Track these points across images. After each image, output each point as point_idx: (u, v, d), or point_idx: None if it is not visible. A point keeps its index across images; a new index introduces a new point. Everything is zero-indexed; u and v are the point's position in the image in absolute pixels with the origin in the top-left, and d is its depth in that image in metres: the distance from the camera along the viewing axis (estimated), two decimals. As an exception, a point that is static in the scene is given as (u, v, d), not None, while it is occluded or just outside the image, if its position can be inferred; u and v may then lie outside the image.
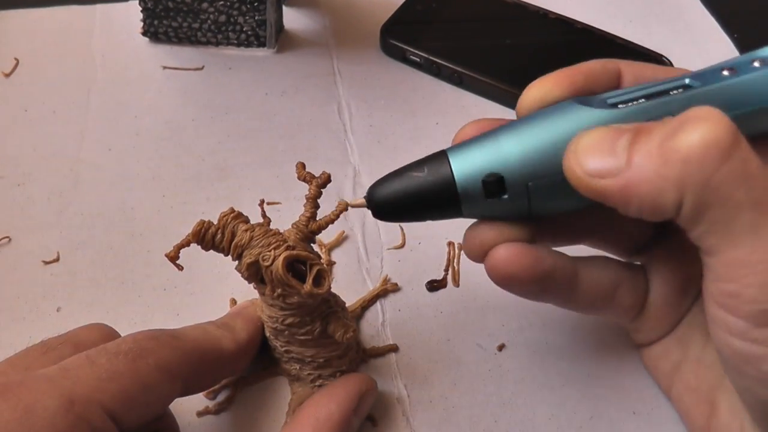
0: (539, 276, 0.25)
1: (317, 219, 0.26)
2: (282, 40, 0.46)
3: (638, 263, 0.29)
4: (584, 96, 0.25)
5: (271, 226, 0.26)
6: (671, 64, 0.44)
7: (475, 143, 0.24)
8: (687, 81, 0.24)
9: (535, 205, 0.24)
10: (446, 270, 0.35)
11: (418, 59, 0.44)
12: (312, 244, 0.27)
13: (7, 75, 0.43)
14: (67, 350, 0.24)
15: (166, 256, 0.25)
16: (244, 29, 0.44)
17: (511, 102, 0.42)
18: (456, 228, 0.36)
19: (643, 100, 0.24)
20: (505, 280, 0.25)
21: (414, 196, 0.24)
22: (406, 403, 0.30)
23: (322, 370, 0.29)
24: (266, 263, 0.25)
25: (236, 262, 0.26)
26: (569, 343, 0.32)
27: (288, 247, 0.25)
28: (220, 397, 0.30)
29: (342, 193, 0.38)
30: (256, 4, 0.43)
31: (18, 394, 0.20)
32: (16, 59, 0.44)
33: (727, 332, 0.22)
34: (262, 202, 0.28)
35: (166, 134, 0.40)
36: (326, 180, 0.26)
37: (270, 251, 0.25)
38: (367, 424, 0.30)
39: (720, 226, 0.21)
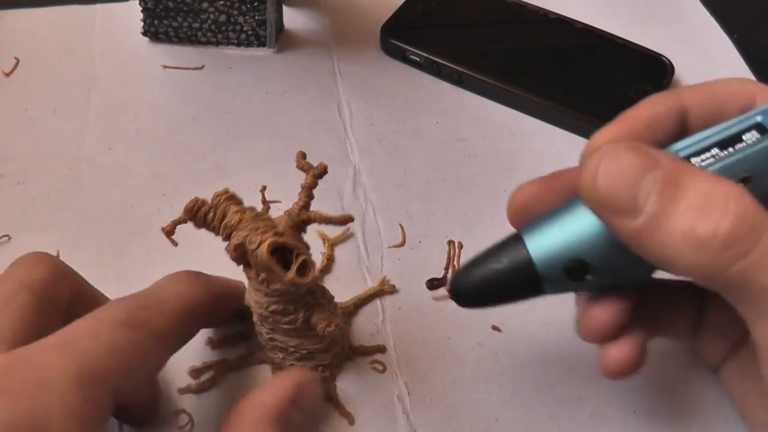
0: (641, 359, 0.26)
1: (310, 210, 0.27)
2: (282, 39, 0.46)
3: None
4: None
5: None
6: (671, 64, 0.44)
7: (549, 225, 0.24)
8: (759, 119, 0.22)
9: (618, 279, 0.24)
10: (447, 268, 0.35)
11: (418, 59, 0.44)
12: (303, 234, 0.27)
13: (8, 74, 0.43)
14: (24, 299, 0.24)
15: (162, 230, 0.25)
16: (245, 29, 0.44)
17: (511, 101, 0.42)
18: (456, 227, 0.36)
19: (716, 149, 0.22)
20: (620, 378, 0.26)
21: (496, 284, 0.25)
22: (407, 402, 0.30)
23: (305, 362, 0.29)
24: (252, 247, 0.25)
25: (226, 242, 0.26)
26: (570, 342, 0.32)
27: (276, 234, 0.25)
28: (203, 377, 0.31)
29: (342, 193, 0.38)
30: (256, 3, 0.43)
31: (26, 370, 0.20)
32: (16, 58, 0.44)
33: None
34: (263, 188, 0.28)
35: (167, 133, 0.40)
36: (322, 171, 0.26)
37: (257, 235, 0.25)
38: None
39: (747, 305, 0.21)
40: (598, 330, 0.25)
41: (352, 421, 0.30)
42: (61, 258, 0.34)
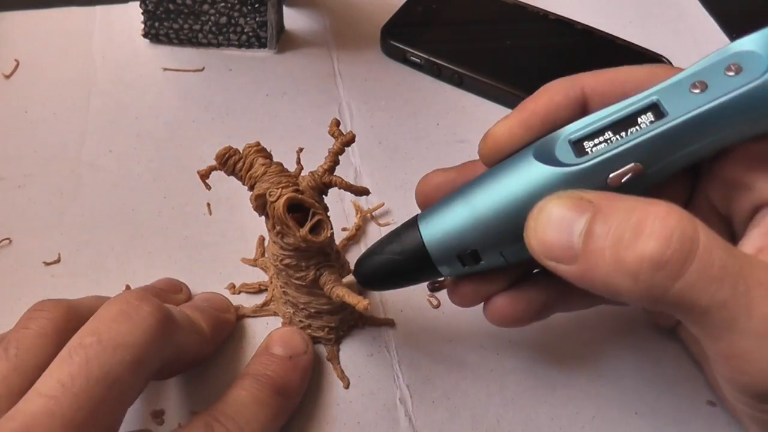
0: (536, 314, 0.27)
1: (334, 175, 0.27)
2: (283, 41, 0.46)
3: None
4: (543, 138, 0.24)
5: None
6: (671, 65, 0.44)
7: (443, 211, 0.25)
8: (655, 99, 0.22)
9: (512, 261, 0.25)
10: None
11: (418, 60, 0.44)
12: (324, 196, 0.28)
13: (8, 76, 0.43)
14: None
15: (198, 172, 0.27)
16: (245, 30, 0.44)
17: (511, 103, 0.42)
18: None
19: (609, 133, 0.22)
20: (505, 326, 0.27)
21: (393, 269, 0.26)
22: (409, 404, 0.30)
23: (313, 320, 0.30)
24: (271, 199, 0.26)
25: (250, 193, 0.27)
26: (572, 344, 0.32)
27: (296, 190, 0.26)
28: None
29: (343, 194, 0.38)
30: (256, 5, 0.43)
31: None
32: (16, 60, 0.44)
33: (734, 400, 0.22)
34: (300, 150, 0.28)
35: (167, 136, 0.40)
36: (351, 139, 0.27)
37: (278, 188, 0.26)
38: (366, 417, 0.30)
39: (691, 324, 0.20)
40: (467, 300, 0.27)
41: (346, 384, 0.31)
42: (63, 261, 0.34)
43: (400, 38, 0.45)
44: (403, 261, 0.26)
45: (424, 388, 0.31)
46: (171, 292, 0.32)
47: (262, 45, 0.45)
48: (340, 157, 0.28)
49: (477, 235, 0.24)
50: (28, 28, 0.46)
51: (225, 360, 0.31)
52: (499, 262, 0.25)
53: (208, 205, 0.37)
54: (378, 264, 0.26)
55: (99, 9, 0.47)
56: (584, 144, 0.22)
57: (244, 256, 0.35)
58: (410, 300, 0.34)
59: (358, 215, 0.36)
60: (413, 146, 0.40)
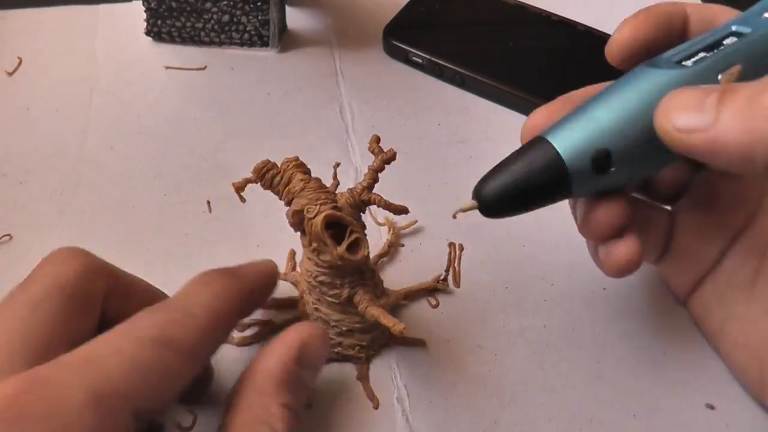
0: (641, 257, 0.27)
1: (373, 192, 0.27)
2: (285, 40, 0.46)
3: (666, 207, 0.31)
4: (652, 58, 0.26)
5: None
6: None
7: (571, 122, 0.25)
8: (734, 27, 0.25)
9: (636, 172, 0.25)
10: (447, 271, 0.35)
11: (420, 60, 0.44)
12: (363, 215, 0.28)
13: (10, 74, 0.43)
14: (55, 301, 0.23)
15: (233, 184, 0.26)
16: (248, 29, 0.44)
17: (513, 103, 0.42)
18: (457, 229, 0.36)
19: (702, 53, 0.25)
20: (627, 271, 0.27)
21: (524, 186, 0.24)
22: (406, 404, 0.30)
23: (344, 339, 0.30)
24: (309, 215, 0.26)
25: (286, 208, 0.27)
26: (570, 345, 0.32)
27: (334, 207, 0.26)
28: (248, 332, 0.32)
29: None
30: (259, 3, 0.43)
31: (45, 389, 0.20)
32: (19, 58, 0.44)
33: None
34: (337, 164, 0.28)
35: (168, 134, 0.40)
36: (392, 157, 0.27)
37: (316, 205, 0.26)
38: (347, 417, 0.30)
39: None
40: (604, 226, 0.27)
41: (376, 405, 0.30)
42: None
43: (402, 38, 0.45)
44: (534, 173, 0.24)
45: (421, 388, 0.31)
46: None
47: (265, 44, 0.45)
48: (379, 174, 0.27)
49: (611, 132, 0.24)
50: (31, 25, 0.46)
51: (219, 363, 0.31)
52: (623, 175, 0.25)
53: (208, 203, 0.37)
54: (505, 182, 0.25)
55: (102, 7, 0.47)
56: (683, 62, 0.25)
57: (244, 254, 0.35)
58: (409, 300, 0.34)
59: (391, 232, 0.36)
60: (414, 146, 0.40)
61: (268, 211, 0.37)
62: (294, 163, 0.27)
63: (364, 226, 0.27)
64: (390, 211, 0.27)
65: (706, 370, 0.32)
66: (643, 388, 0.31)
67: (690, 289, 0.32)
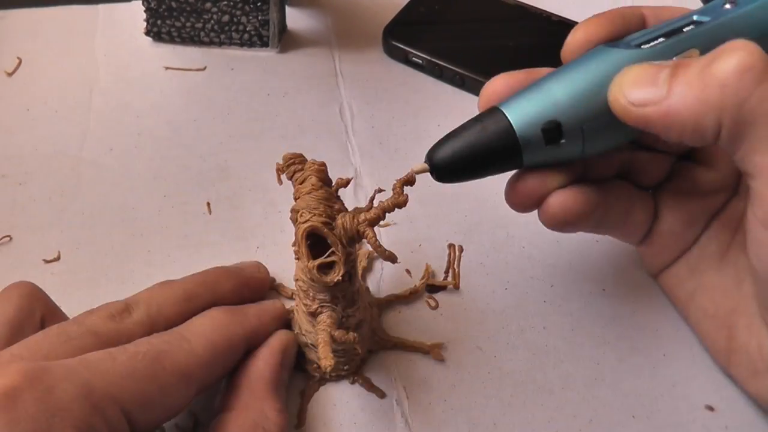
0: (589, 216, 0.28)
1: (370, 229, 0.26)
2: (285, 40, 0.46)
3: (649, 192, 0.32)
4: (612, 41, 0.27)
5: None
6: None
7: (525, 94, 0.26)
8: (695, 17, 0.26)
9: (588, 145, 0.26)
10: (446, 272, 0.35)
11: (420, 61, 0.44)
12: (356, 244, 0.27)
13: (10, 74, 0.43)
14: (88, 341, 0.24)
15: (278, 164, 0.28)
16: (248, 29, 0.44)
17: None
18: (456, 230, 0.36)
19: (662, 39, 0.26)
20: (560, 225, 0.28)
21: (475, 153, 0.25)
22: (405, 405, 0.30)
23: (308, 351, 0.30)
24: (300, 220, 0.26)
25: (288, 210, 0.27)
26: (569, 346, 0.32)
27: (325, 223, 0.26)
28: None
29: (343, 195, 0.37)
30: (259, 4, 0.43)
31: (41, 378, 0.21)
32: (18, 58, 0.44)
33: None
34: (378, 190, 0.27)
35: (168, 134, 0.40)
36: (403, 203, 0.27)
37: (310, 213, 0.26)
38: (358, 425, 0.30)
39: (761, 143, 0.22)
40: (525, 196, 0.27)
41: (381, 395, 0.30)
42: (62, 259, 0.35)
43: (402, 39, 0.44)
44: (485, 140, 0.25)
45: (420, 390, 0.31)
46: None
47: (264, 44, 0.45)
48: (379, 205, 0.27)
49: (562, 104, 0.25)
50: (30, 26, 0.46)
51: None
52: (575, 148, 0.26)
53: (208, 204, 0.37)
54: (457, 148, 0.25)
55: (101, 7, 0.47)
56: (643, 47, 0.26)
57: (244, 255, 0.35)
58: (408, 301, 0.34)
59: (365, 257, 0.35)
60: (414, 147, 0.40)
61: (268, 212, 0.37)
62: (316, 167, 0.27)
63: (349, 255, 0.27)
64: (378, 253, 0.26)
65: (706, 372, 0.32)
66: (643, 389, 0.31)
67: (665, 265, 0.32)
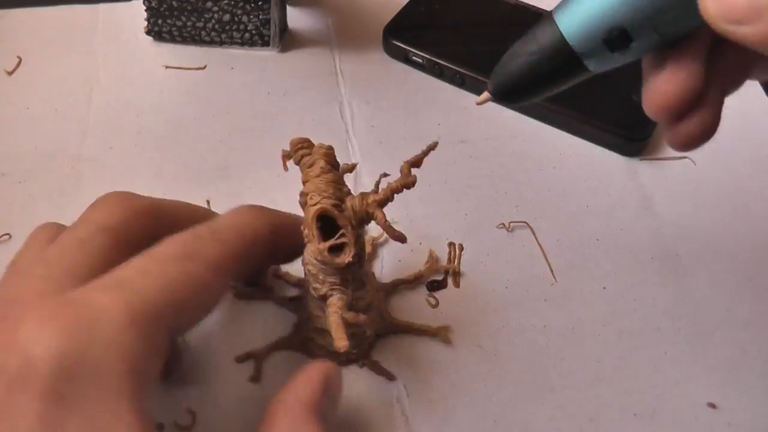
0: (718, 119, 0.23)
1: (380, 210, 0.26)
2: (285, 39, 0.46)
3: None
4: None
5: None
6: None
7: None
8: None
9: (668, 35, 0.22)
10: (447, 271, 0.35)
11: (420, 60, 0.44)
12: (365, 225, 0.27)
13: (10, 73, 0.43)
14: (102, 240, 0.24)
15: (283, 150, 0.27)
16: (248, 28, 0.44)
17: (513, 103, 0.42)
18: (457, 229, 0.36)
19: None
20: (665, 112, 0.23)
21: (535, 72, 0.23)
22: (405, 403, 0.30)
23: (316, 335, 0.30)
24: (310, 202, 0.26)
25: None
26: (570, 345, 0.32)
27: (335, 205, 0.26)
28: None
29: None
30: (260, 3, 0.43)
31: (81, 310, 0.20)
32: (18, 57, 0.44)
33: None
34: (384, 175, 0.27)
35: (168, 133, 0.40)
36: (413, 183, 0.27)
37: (320, 195, 0.26)
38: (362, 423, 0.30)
39: None
40: (667, 103, 0.22)
41: (392, 377, 0.30)
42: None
43: (403, 38, 0.44)
44: (544, 60, 0.23)
45: (421, 388, 0.31)
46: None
47: (265, 43, 0.45)
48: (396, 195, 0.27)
49: (624, 9, 0.21)
50: (30, 25, 0.46)
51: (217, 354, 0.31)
52: (651, 42, 0.22)
53: (208, 202, 0.37)
54: (515, 69, 0.24)
55: (102, 6, 0.47)
56: None
57: (244, 254, 0.35)
58: (409, 300, 0.34)
59: (370, 242, 0.35)
60: (414, 146, 0.39)
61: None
62: (325, 150, 0.27)
63: (359, 237, 0.27)
64: (388, 234, 0.26)
65: (708, 369, 0.32)
66: (644, 387, 0.31)
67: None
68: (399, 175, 0.27)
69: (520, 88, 0.24)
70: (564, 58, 0.23)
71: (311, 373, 0.26)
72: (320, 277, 0.28)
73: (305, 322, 0.31)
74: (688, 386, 0.31)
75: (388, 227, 0.26)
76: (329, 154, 0.27)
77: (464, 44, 0.45)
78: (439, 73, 0.44)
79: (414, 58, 0.44)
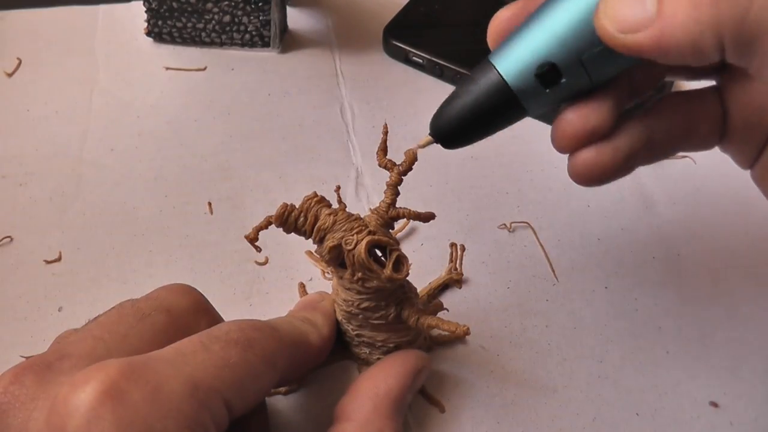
0: (620, 168, 0.24)
1: (397, 206, 0.27)
2: (286, 40, 0.46)
3: (712, 84, 0.27)
4: None
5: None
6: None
7: (513, 39, 0.24)
8: None
9: (595, 75, 0.23)
10: (449, 272, 0.35)
11: (420, 60, 0.44)
12: (391, 230, 0.27)
13: (10, 75, 0.43)
14: (161, 318, 0.24)
15: (246, 237, 0.26)
16: (249, 29, 0.44)
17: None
18: (458, 229, 0.36)
19: None
20: (589, 184, 0.25)
21: (475, 113, 0.24)
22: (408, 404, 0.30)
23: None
24: (349, 247, 0.25)
25: (316, 245, 0.26)
26: (571, 345, 0.32)
27: (369, 232, 0.26)
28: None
29: (344, 194, 0.38)
30: (260, 4, 0.43)
31: (145, 375, 0.20)
32: (18, 59, 0.44)
33: None
34: (338, 188, 0.28)
35: (169, 135, 0.40)
36: (408, 168, 0.27)
37: (352, 235, 0.25)
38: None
39: (759, 60, 0.20)
40: (569, 135, 0.24)
41: (442, 409, 0.30)
42: (63, 259, 0.34)
43: (403, 38, 0.44)
44: (482, 101, 0.24)
45: (423, 388, 0.31)
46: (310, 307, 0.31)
47: (266, 44, 0.45)
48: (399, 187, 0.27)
49: (551, 44, 0.23)
50: (31, 26, 0.46)
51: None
52: (582, 80, 0.23)
53: (209, 204, 0.37)
54: (456, 111, 0.24)
55: (102, 8, 0.47)
56: None
57: (245, 255, 0.35)
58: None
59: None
60: (413, 146, 0.40)
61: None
62: (315, 199, 0.26)
63: (397, 242, 0.27)
64: (419, 220, 0.27)
65: (710, 369, 0.32)
66: (646, 386, 0.31)
67: (755, 156, 0.27)
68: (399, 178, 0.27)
69: (460, 131, 0.25)
70: (501, 98, 0.24)
71: (408, 364, 0.27)
72: (382, 304, 0.28)
73: (369, 356, 0.31)
74: (690, 385, 0.31)
75: (416, 215, 0.27)
76: (320, 198, 0.26)
77: (464, 44, 0.45)
78: (439, 73, 0.44)
79: (414, 58, 0.44)
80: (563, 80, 0.23)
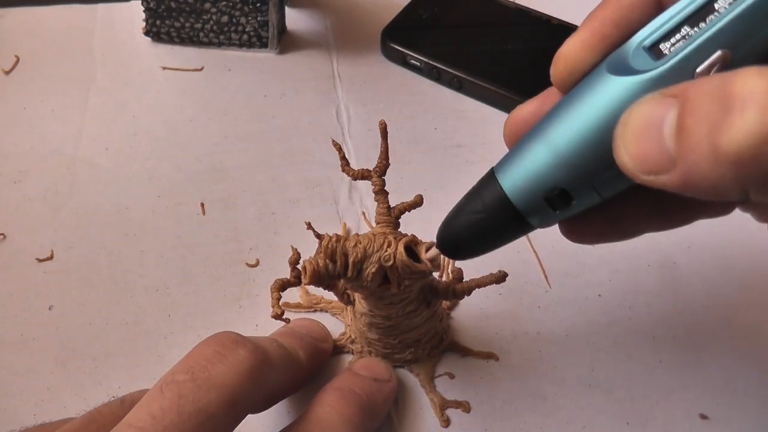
0: (622, 239, 0.26)
1: (392, 207, 0.27)
2: (283, 41, 0.46)
3: None
4: (617, 50, 0.21)
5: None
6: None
7: (521, 155, 0.22)
8: None
9: (606, 193, 0.22)
10: (441, 275, 0.35)
11: (418, 63, 0.44)
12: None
13: (7, 72, 0.43)
14: (224, 418, 0.23)
15: (273, 317, 0.24)
16: (247, 30, 0.44)
17: (511, 108, 0.42)
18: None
19: (686, 29, 0.19)
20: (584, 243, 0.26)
21: (481, 232, 0.23)
22: (397, 409, 0.30)
23: (433, 341, 0.31)
24: (389, 263, 0.25)
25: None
26: (562, 352, 0.32)
27: (395, 239, 0.26)
28: None
29: (338, 198, 0.37)
30: (258, 4, 0.43)
31: None
32: (16, 57, 0.44)
33: None
34: (309, 224, 0.26)
35: (164, 135, 0.40)
36: (383, 165, 0.27)
37: (386, 251, 0.25)
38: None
39: None
40: (583, 237, 0.25)
41: (467, 409, 0.30)
42: (55, 258, 0.34)
43: (401, 41, 0.44)
44: (488, 218, 0.23)
45: (411, 395, 0.31)
46: (318, 339, 0.31)
47: (263, 45, 0.44)
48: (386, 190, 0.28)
49: (562, 170, 0.21)
50: (29, 24, 0.46)
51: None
52: (593, 200, 0.22)
53: (202, 205, 0.37)
54: (461, 228, 0.24)
55: (100, 7, 0.47)
56: (660, 47, 0.20)
57: (237, 256, 0.35)
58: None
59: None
60: (410, 150, 0.40)
61: (262, 214, 0.37)
62: (334, 239, 0.25)
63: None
64: (412, 208, 0.28)
65: (701, 380, 0.31)
66: (637, 396, 0.31)
67: None
68: (392, 180, 0.27)
69: (466, 245, 0.24)
70: (507, 216, 0.23)
71: (358, 368, 0.29)
72: (421, 298, 0.28)
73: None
74: (683, 396, 0.31)
75: (409, 205, 0.28)
76: (337, 237, 0.26)
77: (462, 48, 0.44)
78: (436, 76, 0.43)
79: (412, 61, 0.44)
80: (574, 202, 0.22)
